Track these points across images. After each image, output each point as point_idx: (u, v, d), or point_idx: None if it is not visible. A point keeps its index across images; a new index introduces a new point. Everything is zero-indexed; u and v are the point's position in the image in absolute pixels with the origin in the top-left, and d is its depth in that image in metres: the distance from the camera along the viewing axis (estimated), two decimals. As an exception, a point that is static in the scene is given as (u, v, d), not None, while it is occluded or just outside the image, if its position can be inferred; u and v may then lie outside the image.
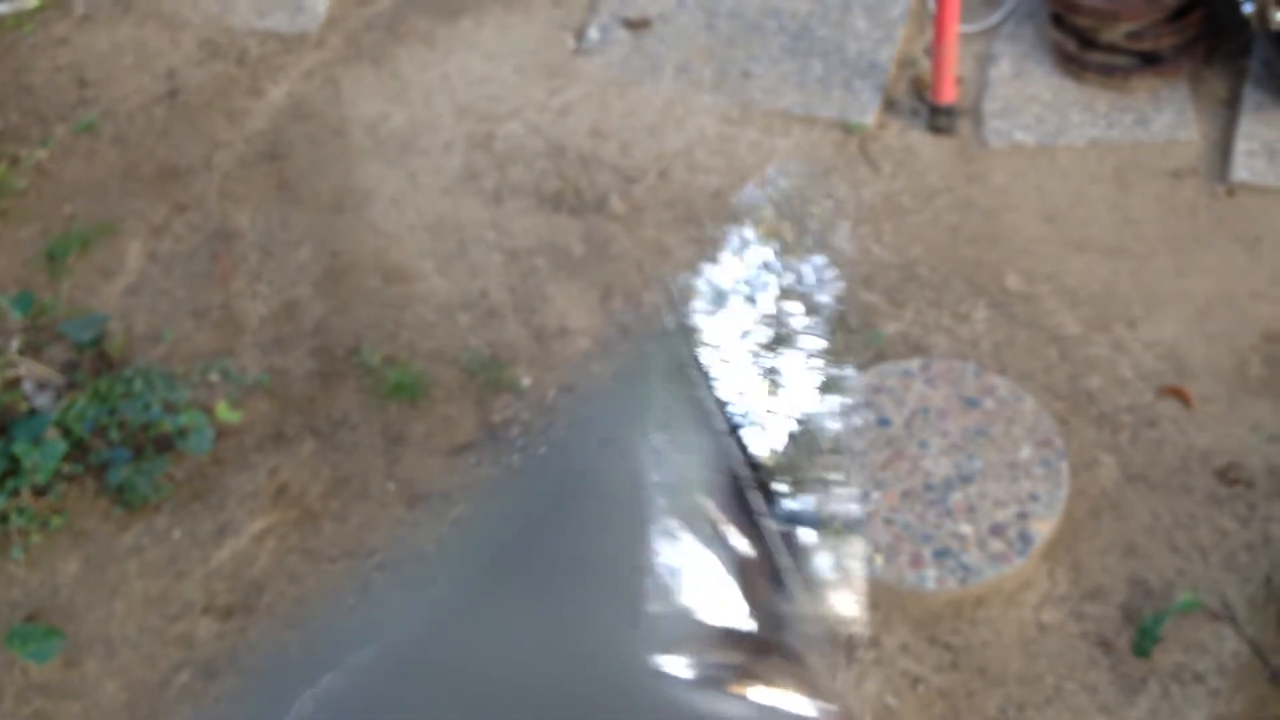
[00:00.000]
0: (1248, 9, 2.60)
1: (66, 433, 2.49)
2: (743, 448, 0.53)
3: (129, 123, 3.11)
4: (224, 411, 2.54)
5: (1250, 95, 2.69)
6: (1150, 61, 2.75)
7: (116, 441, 2.49)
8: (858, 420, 2.34)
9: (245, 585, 2.36)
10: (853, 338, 2.50)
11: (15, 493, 2.43)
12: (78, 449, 2.50)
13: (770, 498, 0.58)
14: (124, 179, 3.00)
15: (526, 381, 2.54)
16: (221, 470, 2.50)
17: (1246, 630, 2.10)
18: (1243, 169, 2.60)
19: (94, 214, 2.93)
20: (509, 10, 3.18)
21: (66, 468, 2.48)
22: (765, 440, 0.57)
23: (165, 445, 2.50)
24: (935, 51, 2.69)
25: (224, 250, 2.83)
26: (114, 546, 2.43)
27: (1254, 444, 2.30)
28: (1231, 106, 2.72)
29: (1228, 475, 2.27)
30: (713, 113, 2.89)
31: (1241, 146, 2.63)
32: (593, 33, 3.08)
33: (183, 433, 2.49)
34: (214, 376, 2.62)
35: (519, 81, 3.03)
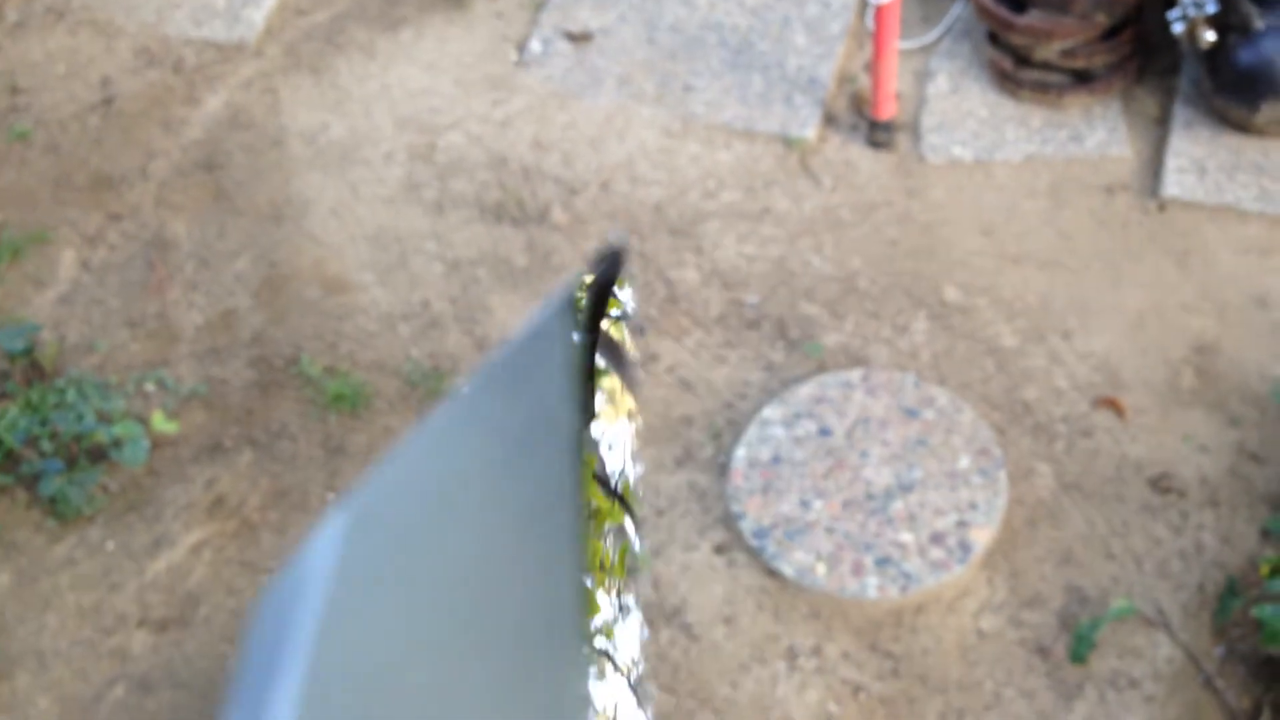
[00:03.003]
0: (1178, 29, 2.66)
1: (-3, 444, 2.44)
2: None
3: (62, 131, 3.06)
4: (160, 422, 2.50)
5: (1180, 113, 2.75)
6: (1083, 79, 2.80)
7: (49, 452, 2.45)
8: (799, 430, 2.36)
9: (181, 598, 2.32)
10: (794, 349, 2.52)
11: (-57, 505, 2.38)
12: (8, 460, 2.45)
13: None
14: (57, 187, 2.95)
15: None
16: (157, 481, 2.46)
17: (1180, 636, 2.14)
18: (1173, 185, 2.66)
19: (26, 223, 2.88)
20: (450, 22, 3.18)
21: (-3, 479, 2.43)
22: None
23: (99, 456, 2.46)
24: (874, 68, 2.73)
25: (159, 260, 2.79)
26: (46, 559, 2.38)
27: (1186, 454, 2.34)
28: (1162, 124, 2.78)
29: (1161, 484, 2.31)
30: (654, 125, 2.90)
31: (1172, 163, 2.68)
32: (534, 45, 3.08)
33: (117, 443, 2.45)
34: (149, 387, 2.58)
35: (460, 93, 3.02)
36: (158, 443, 2.50)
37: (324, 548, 0.30)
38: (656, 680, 2.16)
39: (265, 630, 0.30)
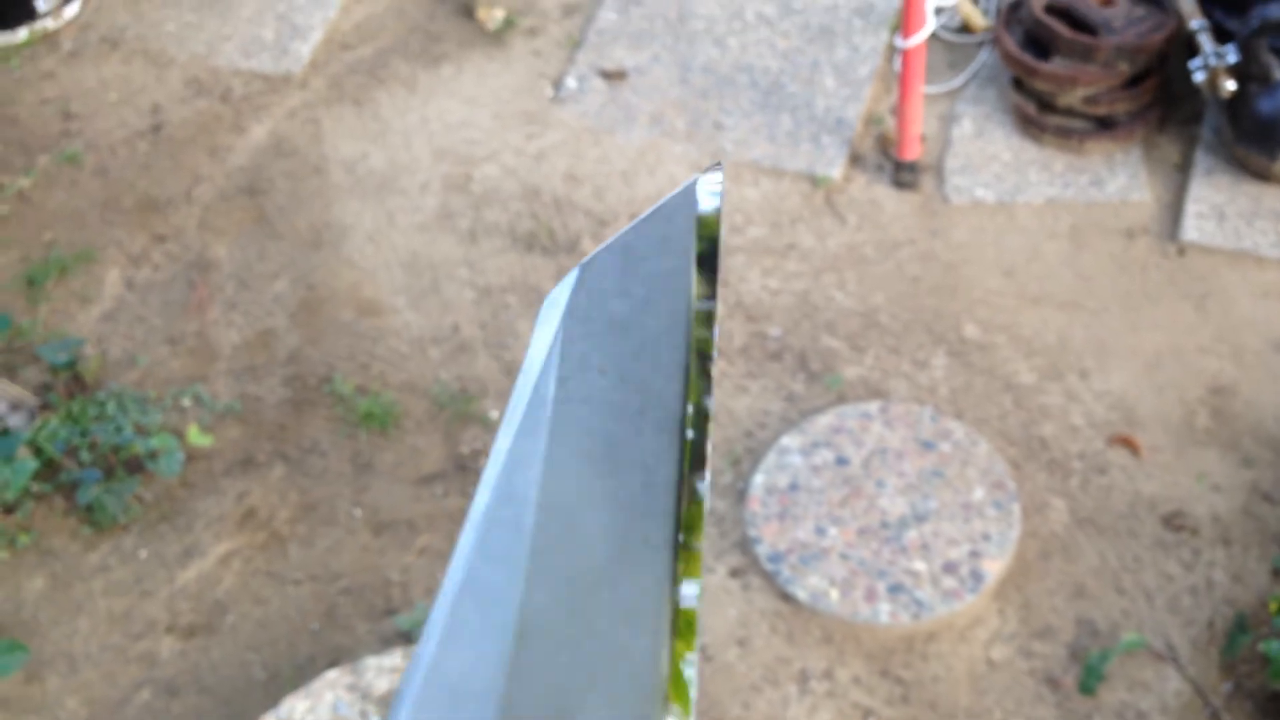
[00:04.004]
0: (1199, 78, 2.72)
1: (38, 452, 2.52)
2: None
3: (112, 155, 3.16)
4: (195, 435, 2.57)
5: (1201, 160, 2.80)
6: (1106, 125, 2.85)
7: (87, 462, 2.52)
8: (817, 459, 2.41)
9: (209, 606, 2.39)
10: (814, 381, 2.57)
11: (-16, 509, 2.46)
12: (48, 468, 2.53)
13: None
14: (104, 209, 3.05)
15: (495, 414, 2.59)
16: (190, 493, 2.53)
17: (1188, 671, 2.16)
18: (1193, 230, 2.70)
19: (74, 242, 2.98)
20: (489, 59, 3.27)
21: (36, 487, 2.51)
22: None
23: (135, 467, 2.53)
24: (900, 110, 2.79)
25: (201, 280, 2.88)
26: (80, 565, 2.45)
27: (1199, 492, 2.37)
28: (1183, 170, 2.83)
29: (1173, 522, 2.34)
30: (684, 162, 2.98)
31: (1192, 208, 2.73)
32: (570, 82, 3.16)
33: (153, 455, 2.52)
34: (186, 402, 2.66)
35: (497, 127, 3.11)
36: (192, 456, 2.57)
37: (568, 282, 0.53)
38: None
39: (540, 327, 0.54)
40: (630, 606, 0.46)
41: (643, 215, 0.56)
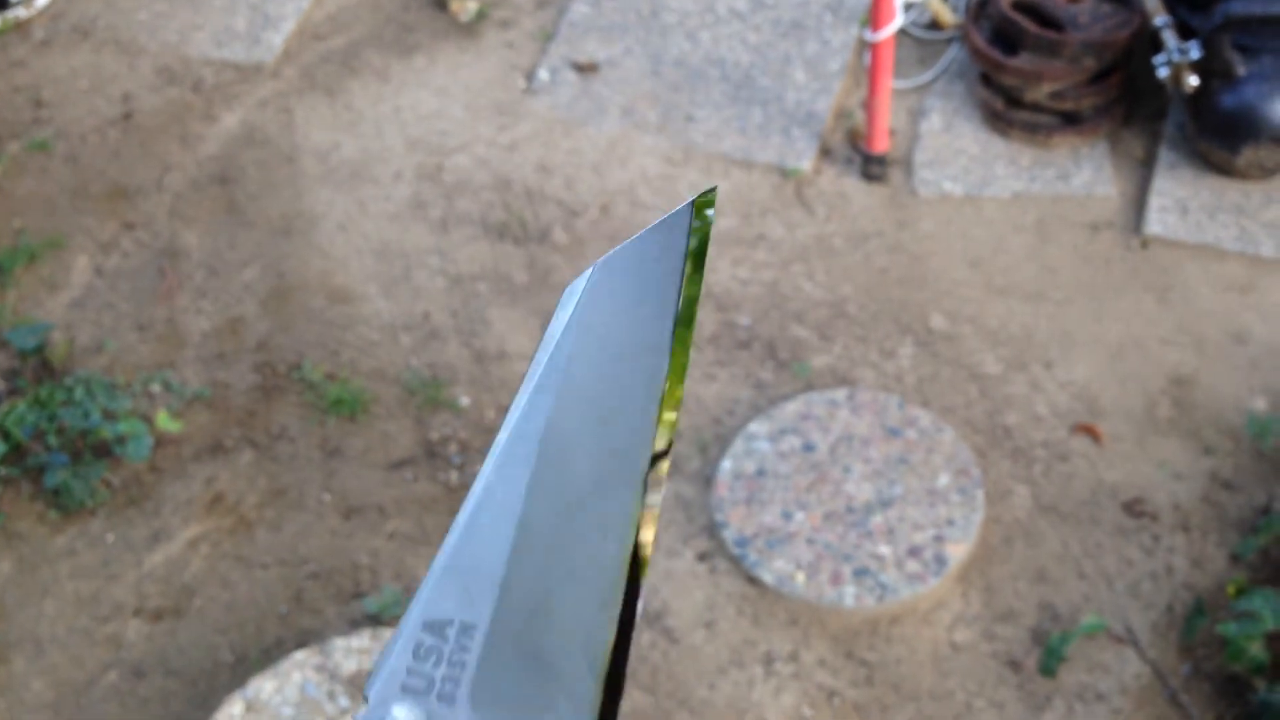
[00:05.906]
0: (1163, 73, 2.75)
1: (5, 436, 2.52)
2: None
3: (82, 143, 3.16)
4: (164, 421, 2.57)
5: (1165, 155, 2.83)
6: (1072, 121, 2.89)
7: (55, 446, 2.52)
8: (784, 445, 2.43)
9: (177, 589, 2.39)
10: (782, 369, 2.59)
11: (-50, 492, 2.45)
12: (15, 452, 2.52)
13: None
14: (74, 196, 3.04)
15: (465, 401, 2.60)
16: (159, 478, 2.53)
17: (1148, 653, 2.19)
18: (1156, 223, 2.74)
19: (43, 229, 2.97)
20: (462, 50, 3.28)
21: (3, 470, 2.50)
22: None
23: (103, 452, 2.53)
24: (869, 104, 2.82)
25: (170, 267, 2.88)
26: (47, 549, 2.45)
27: (1160, 480, 2.40)
28: (1147, 165, 2.86)
29: (1134, 508, 2.37)
30: (655, 153, 2.99)
31: (1155, 202, 2.76)
32: (542, 74, 3.18)
33: (121, 440, 2.52)
34: (155, 387, 2.65)
35: (469, 118, 3.12)
36: (161, 441, 2.57)
37: (581, 281, 0.64)
38: (636, 681, 2.21)
39: (556, 314, 0.64)
40: (607, 515, 0.60)
41: (651, 225, 0.68)
